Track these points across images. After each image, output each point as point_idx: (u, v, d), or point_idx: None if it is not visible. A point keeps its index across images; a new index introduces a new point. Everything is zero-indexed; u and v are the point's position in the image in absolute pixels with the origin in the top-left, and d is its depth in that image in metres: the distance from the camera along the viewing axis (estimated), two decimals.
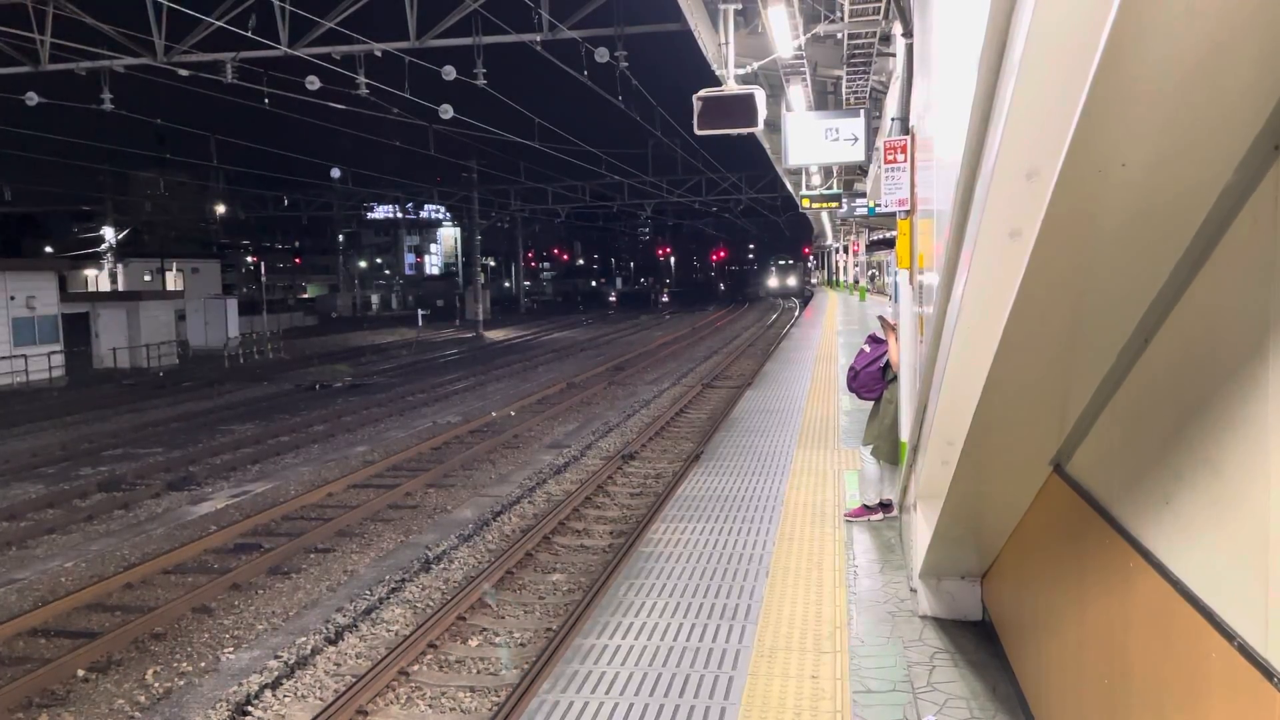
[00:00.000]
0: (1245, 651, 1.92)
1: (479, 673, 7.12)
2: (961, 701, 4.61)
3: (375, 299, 79.84)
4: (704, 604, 6.03)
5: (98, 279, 46.38)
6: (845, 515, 7.91)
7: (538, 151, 32.51)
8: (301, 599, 8.97)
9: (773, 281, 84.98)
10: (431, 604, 8.51)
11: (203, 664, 7.57)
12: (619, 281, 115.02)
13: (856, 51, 10.85)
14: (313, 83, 16.99)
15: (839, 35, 10.72)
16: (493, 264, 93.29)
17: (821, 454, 10.60)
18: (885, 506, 7.77)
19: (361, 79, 16.94)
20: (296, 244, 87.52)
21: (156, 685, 7.21)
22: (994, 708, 4.55)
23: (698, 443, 14.73)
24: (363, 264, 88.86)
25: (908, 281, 6.43)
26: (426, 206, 77.97)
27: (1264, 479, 1.87)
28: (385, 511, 11.87)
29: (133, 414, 21.29)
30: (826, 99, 15.71)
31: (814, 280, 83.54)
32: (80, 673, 7.36)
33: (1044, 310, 2.68)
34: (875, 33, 10.03)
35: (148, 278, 48.08)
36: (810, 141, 10.76)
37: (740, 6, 9.90)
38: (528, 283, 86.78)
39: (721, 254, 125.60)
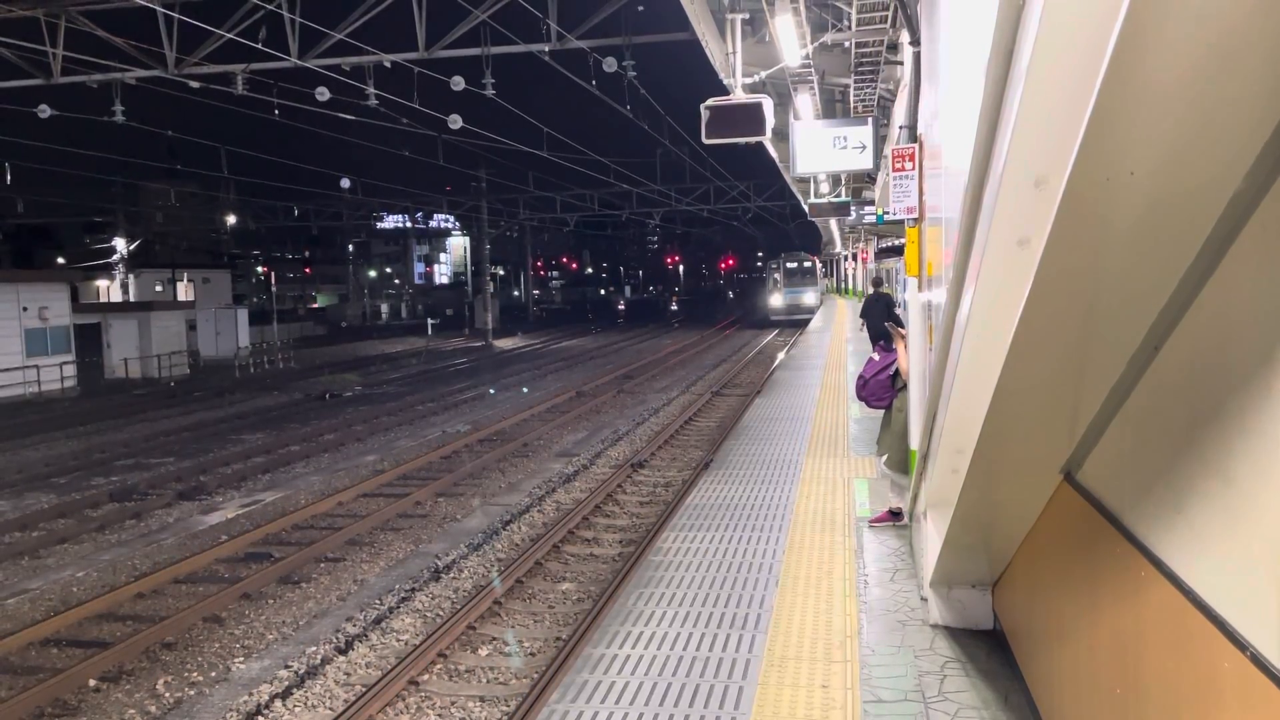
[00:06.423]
0: (1258, 662, 1.90)
1: (489, 682, 7.11)
2: (973, 711, 4.59)
3: (385, 308, 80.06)
4: (714, 613, 6.01)
5: (109, 289, 46.66)
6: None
7: (546, 161, 32.60)
8: (312, 608, 8.98)
9: (776, 300, 52.70)
10: (441, 613, 8.51)
11: (213, 674, 7.58)
12: (628, 290, 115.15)
13: (864, 60, 10.83)
14: (322, 94, 17.07)
15: (846, 44, 10.71)
16: (502, 273, 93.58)
17: (831, 462, 10.57)
18: (895, 515, 7.74)
19: (371, 90, 17.02)
20: (306, 254, 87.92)
21: (167, 695, 7.22)
22: (1006, 717, 4.53)
23: (707, 451, 14.72)
24: (372, 273, 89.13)
25: (916, 289, 6.42)
26: (436, 216, 78.21)
27: (1276, 488, 1.86)
28: (395, 520, 11.89)
29: (144, 424, 21.38)
30: (834, 107, 15.70)
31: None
32: (92, 682, 7.38)
33: (1053, 318, 2.67)
34: (883, 41, 10.02)
35: (159, 288, 48.37)
36: (818, 150, 10.75)
37: (748, 16, 9.92)
38: (537, 291, 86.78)
39: (730, 262, 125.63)
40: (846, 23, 9.93)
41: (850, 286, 64.08)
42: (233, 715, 6.71)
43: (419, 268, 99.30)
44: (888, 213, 7.74)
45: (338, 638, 7.98)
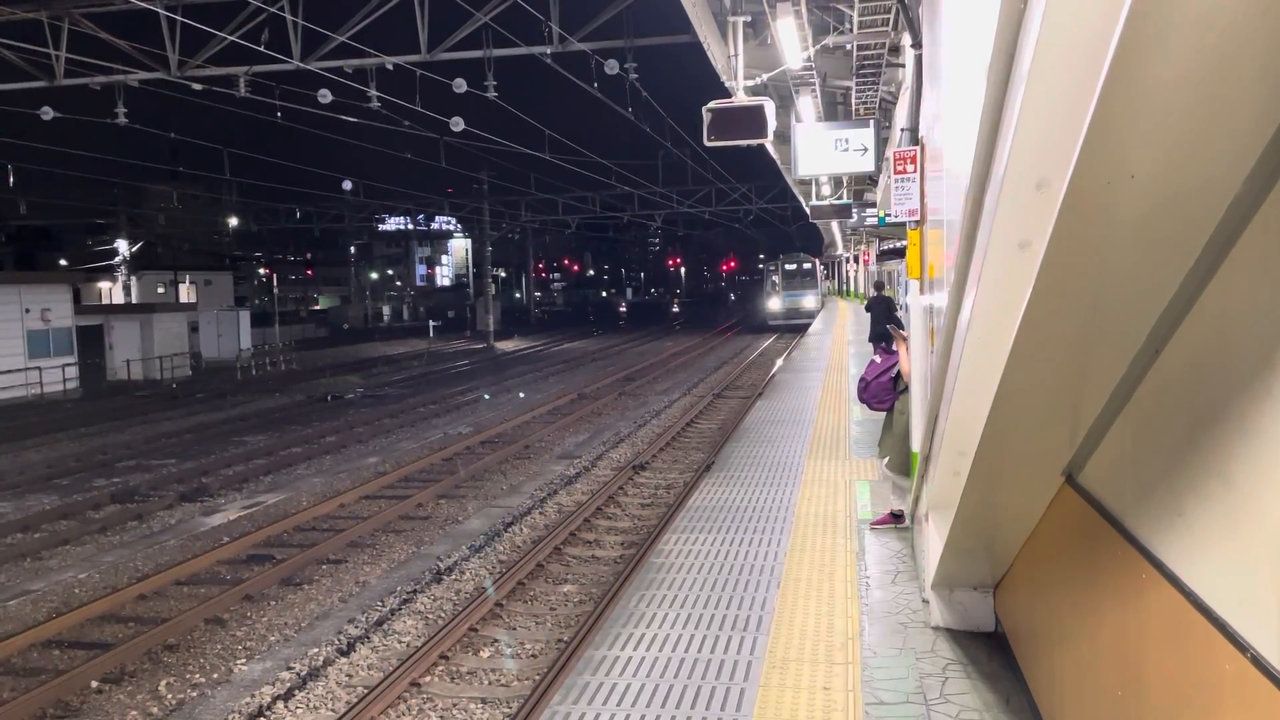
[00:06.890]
0: (1259, 663, 1.91)
1: (490, 684, 7.12)
2: (974, 713, 4.59)
3: (386, 310, 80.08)
4: (715, 615, 6.02)
5: (111, 291, 46.65)
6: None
7: (548, 163, 32.64)
8: (313, 610, 8.99)
9: (773, 303, 49.87)
10: (443, 615, 8.51)
11: (215, 675, 7.59)
12: (629, 292, 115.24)
13: (865, 63, 10.85)
14: (325, 96, 17.09)
15: (848, 47, 10.73)
16: (503, 275, 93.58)
17: (833, 464, 10.57)
18: (897, 517, 7.75)
19: (373, 92, 17.03)
20: (308, 256, 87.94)
21: (169, 697, 7.23)
22: None
23: (709, 453, 14.72)
24: (374, 275, 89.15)
25: (918, 292, 6.43)
26: (437, 218, 78.18)
27: (1276, 489, 1.86)
28: (397, 522, 11.89)
29: (146, 425, 21.40)
30: (836, 110, 15.72)
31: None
32: (94, 684, 7.38)
33: (1054, 321, 2.68)
34: (884, 44, 10.04)
35: (161, 290, 48.37)
36: (820, 152, 10.76)
37: (749, 19, 9.93)
38: (538, 293, 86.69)
39: (732, 264, 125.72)
40: (848, 25, 9.96)
41: (852, 289, 64.07)
42: (235, 717, 6.71)
43: (420, 270, 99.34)
44: (889, 215, 7.74)
45: (339, 639, 7.99)
